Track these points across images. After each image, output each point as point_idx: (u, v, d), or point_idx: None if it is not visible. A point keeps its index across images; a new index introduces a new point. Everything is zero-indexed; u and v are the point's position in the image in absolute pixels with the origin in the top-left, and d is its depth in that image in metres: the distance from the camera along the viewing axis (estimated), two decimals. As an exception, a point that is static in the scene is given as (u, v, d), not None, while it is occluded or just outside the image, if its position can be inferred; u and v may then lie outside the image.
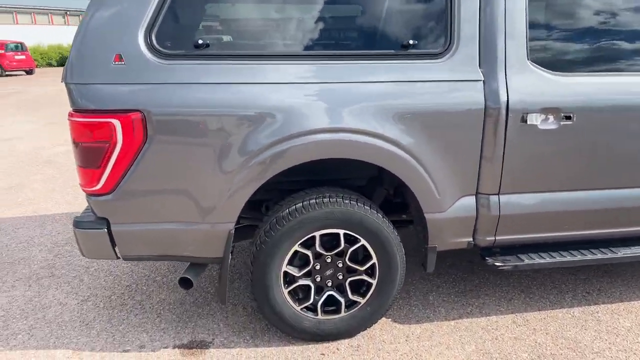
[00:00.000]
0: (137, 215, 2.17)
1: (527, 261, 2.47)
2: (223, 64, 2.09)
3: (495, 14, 2.21)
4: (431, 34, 2.24)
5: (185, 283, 2.32)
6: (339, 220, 2.26)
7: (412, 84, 2.17)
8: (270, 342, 2.48)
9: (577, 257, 2.50)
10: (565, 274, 3.17)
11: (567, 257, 2.49)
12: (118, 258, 2.24)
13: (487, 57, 2.23)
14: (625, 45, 2.41)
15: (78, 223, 2.20)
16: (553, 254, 2.53)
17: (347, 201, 2.27)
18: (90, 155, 2.06)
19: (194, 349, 2.40)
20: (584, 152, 2.37)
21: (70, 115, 2.05)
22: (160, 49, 2.05)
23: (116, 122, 2.00)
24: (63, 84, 2.14)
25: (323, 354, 2.37)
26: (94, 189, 2.12)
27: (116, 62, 2.01)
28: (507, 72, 2.24)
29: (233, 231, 2.23)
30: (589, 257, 2.50)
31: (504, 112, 2.23)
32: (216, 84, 2.06)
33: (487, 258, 2.52)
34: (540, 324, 2.63)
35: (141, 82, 2.02)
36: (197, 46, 2.07)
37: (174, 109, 2.04)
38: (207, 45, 2.08)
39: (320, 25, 2.21)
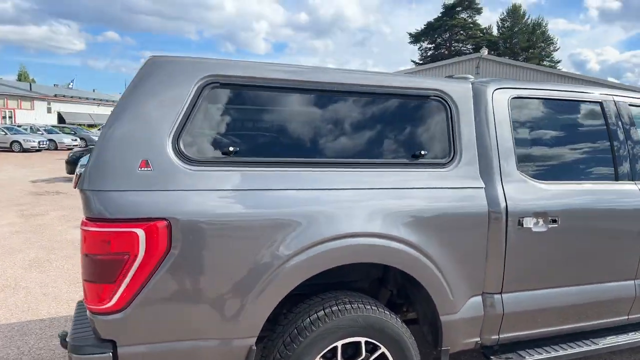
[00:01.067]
0: (150, 334, 1.97)
1: (527, 358, 2.58)
2: (250, 170, 2.08)
3: (487, 137, 2.56)
4: (440, 148, 2.50)
5: None
6: (362, 327, 2.19)
7: (428, 190, 2.37)
8: None
9: (569, 350, 2.69)
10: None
11: (560, 351, 2.66)
12: None
13: (486, 169, 2.52)
14: (596, 157, 2.90)
15: (76, 348, 1.93)
16: (548, 348, 2.69)
17: (368, 307, 2.23)
18: (105, 269, 1.88)
19: None
20: (570, 251, 2.67)
21: (84, 224, 1.90)
22: (189, 155, 2.01)
23: (140, 232, 1.87)
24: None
25: None
26: (104, 307, 1.90)
27: (142, 168, 1.93)
28: (503, 182, 2.52)
29: (254, 347, 2.09)
30: (578, 349, 2.71)
31: (504, 216, 2.46)
32: (245, 190, 2.04)
33: (491, 357, 2.57)
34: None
35: (168, 189, 1.94)
36: (225, 153, 2.07)
37: (202, 216, 1.95)
38: (235, 152, 2.08)
39: (346, 136, 2.34)
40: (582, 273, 2.72)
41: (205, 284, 1.99)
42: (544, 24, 50.59)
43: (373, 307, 2.25)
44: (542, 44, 50.57)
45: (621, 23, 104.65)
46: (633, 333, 2.92)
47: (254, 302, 2.04)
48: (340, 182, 2.22)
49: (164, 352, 1.99)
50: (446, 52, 48.76)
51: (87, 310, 1.98)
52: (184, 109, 2.03)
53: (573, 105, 2.87)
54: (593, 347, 2.75)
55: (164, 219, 1.90)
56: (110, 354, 1.91)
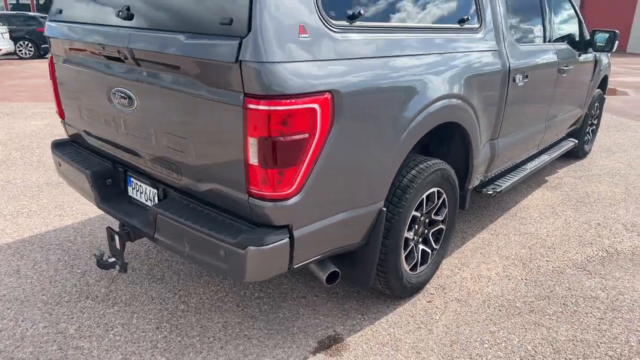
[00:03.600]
0: (318, 212, 2.00)
1: (502, 185, 3.50)
2: (381, 36, 2.14)
3: (498, 12, 3.11)
4: (472, 16, 2.91)
5: (332, 277, 2.32)
6: (440, 179, 2.65)
7: (470, 53, 2.79)
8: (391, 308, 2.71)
9: (517, 176, 3.75)
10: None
11: (515, 178, 3.70)
12: (288, 269, 1.99)
13: (497, 35, 3.08)
14: (537, 24, 3.74)
15: (248, 241, 1.84)
16: (507, 177, 3.70)
17: (441, 163, 2.66)
18: (289, 151, 1.78)
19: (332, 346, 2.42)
20: (529, 101, 3.52)
21: (253, 102, 1.71)
22: (332, 20, 1.91)
23: (317, 107, 1.79)
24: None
25: (429, 301, 2.83)
26: (285, 192, 1.84)
27: (302, 35, 1.78)
28: (506, 46, 3.13)
29: (384, 208, 2.31)
30: (522, 174, 3.81)
31: (508, 73, 3.11)
32: (383, 57, 2.12)
33: (481, 190, 3.42)
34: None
35: (325, 58, 1.84)
36: (361, 18, 2.03)
37: (357, 87, 1.94)
38: (368, 17, 2.08)
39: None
40: (531, 118, 3.69)
41: (359, 155, 2.06)
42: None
43: (443, 162, 2.68)
44: None
45: None
46: (541, 156, 4.32)
47: (390, 166, 2.25)
48: (428, 47, 2.47)
49: (327, 226, 2.06)
50: None
51: (251, 198, 1.88)
52: None
53: None
54: (527, 171, 3.89)
55: (329, 91, 1.83)
56: (288, 238, 1.91)
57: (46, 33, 2.81)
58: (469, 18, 2.84)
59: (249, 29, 1.68)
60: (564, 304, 2.81)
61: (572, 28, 4.47)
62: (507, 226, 3.83)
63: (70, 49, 2.60)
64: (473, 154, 2.95)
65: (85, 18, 2.49)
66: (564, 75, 4.05)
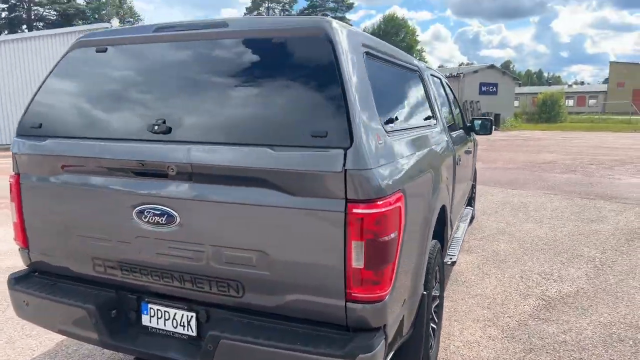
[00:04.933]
0: (397, 307, 2.06)
1: (455, 253, 3.89)
2: (408, 135, 2.48)
3: (436, 107, 3.67)
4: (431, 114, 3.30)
5: None
6: (440, 256, 3.01)
7: (441, 142, 3.14)
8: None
9: (461, 239, 4.41)
10: None
11: (460, 241, 4.34)
12: None
13: (443, 127, 3.62)
14: (453, 114, 4.71)
15: (358, 349, 1.78)
16: (453, 244, 4.18)
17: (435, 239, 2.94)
18: (387, 251, 1.86)
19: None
20: (462, 174, 4.27)
21: (358, 207, 1.78)
22: (385, 125, 2.13)
23: (401, 205, 1.94)
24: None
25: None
26: (384, 292, 1.88)
27: (379, 142, 1.95)
28: (447, 134, 3.66)
29: (425, 293, 2.49)
30: (462, 237, 4.53)
31: (454, 155, 3.66)
32: (414, 154, 2.42)
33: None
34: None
35: (391, 160, 2.03)
36: (395, 122, 2.39)
37: (410, 181, 2.17)
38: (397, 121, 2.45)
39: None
40: (460, 190, 4.22)
41: (416, 243, 2.28)
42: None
43: (437, 241, 2.95)
44: (131, 19, 57.09)
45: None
46: (461, 225, 4.87)
47: (427, 249, 2.52)
48: (427, 141, 2.87)
49: (399, 321, 2.14)
50: (24, 15, 45.69)
51: (349, 303, 1.87)
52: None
53: None
54: (461, 239, 4.39)
55: (400, 189, 1.99)
56: (384, 339, 1.91)
57: (15, 150, 2.42)
58: (431, 116, 3.32)
59: (352, 141, 1.78)
60: (547, 352, 3.20)
61: (460, 117, 5.41)
62: (458, 292, 4.23)
63: (64, 166, 2.29)
64: (449, 227, 3.30)
65: (89, 133, 2.25)
66: (469, 154, 4.84)
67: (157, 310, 2.25)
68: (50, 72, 2.48)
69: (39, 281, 2.49)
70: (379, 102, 2.11)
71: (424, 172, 2.50)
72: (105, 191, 2.21)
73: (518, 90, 47.46)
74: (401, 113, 2.62)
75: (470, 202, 6.14)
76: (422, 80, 3.46)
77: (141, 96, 2.25)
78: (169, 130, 2.07)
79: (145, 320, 2.28)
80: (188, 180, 2.03)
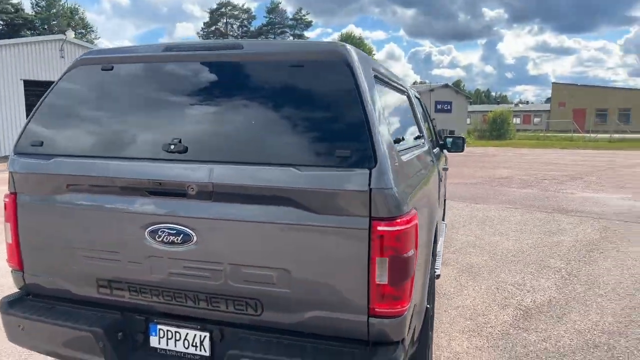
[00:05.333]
0: (414, 321, 2.21)
1: (439, 266, 3.78)
2: (409, 153, 2.56)
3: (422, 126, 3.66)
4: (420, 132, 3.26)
5: None
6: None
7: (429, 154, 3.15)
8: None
9: (441, 252, 4.18)
10: None
11: (440, 254, 3.89)
12: None
13: (428, 144, 3.67)
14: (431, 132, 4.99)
15: None
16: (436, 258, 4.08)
17: None
18: (409, 266, 1.96)
19: None
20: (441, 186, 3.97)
21: (382, 224, 1.86)
22: (396, 146, 2.24)
23: (417, 223, 2.03)
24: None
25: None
26: (405, 306, 1.96)
27: (395, 163, 2.02)
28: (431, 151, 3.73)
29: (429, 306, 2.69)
30: (440, 250, 4.26)
31: (438, 169, 3.56)
32: (418, 170, 2.61)
33: None
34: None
35: (405, 179, 2.13)
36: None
37: (418, 198, 2.35)
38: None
39: None
40: (441, 202, 4.39)
41: (425, 258, 2.48)
42: (80, 10, 57.17)
43: None
44: (83, 30, 56.41)
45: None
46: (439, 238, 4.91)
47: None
48: (426, 156, 3.17)
49: (412, 326, 2.22)
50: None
51: (372, 318, 1.93)
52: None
53: None
54: (441, 252, 4.39)
55: (414, 208, 2.09)
56: (403, 353, 1.97)
57: (14, 168, 2.34)
58: (420, 135, 3.46)
59: (375, 161, 1.86)
60: (531, 359, 3.36)
61: (434, 134, 5.63)
62: (440, 303, 4.36)
63: (70, 185, 2.23)
64: (437, 242, 3.43)
65: (97, 152, 2.21)
66: (446, 171, 5.05)
67: (167, 331, 2.21)
68: (51, 90, 2.42)
69: (35, 304, 2.39)
70: (388, 124, 2.21)
71: (425, 189, 2.61)
72: (115, 211, 2.17)
73: (470, 108, 49.60)
74: (403, 133, 2.74)
75: (444, 216, 6.36)
76: (410, 100, 3.61)
77: (153, 116, 2.24)
78: (185, 150, 2.07)
79: (153, 342, 2.23)
80: (207, 199, 2.03)
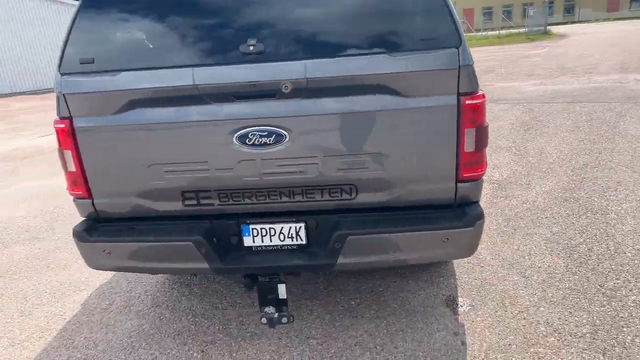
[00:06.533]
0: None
1: None
2: None
3: None
4: None
5: None
6: None
7: None
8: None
9: None
10: (491, 169, 4.80)
11: None
12: None
13: None
14: None
15: (474, 218, 2.19)
16: None
17: None
18: (485, 136, 2.25)
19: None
20: None
21: (469, 98, 2.09)
22: None
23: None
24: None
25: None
26: (482, 172, 2.27)
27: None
28: None
29: None
30: None
31: None
32: None
33: None
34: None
35: None
36: None
37: None
38: None
39: None
40: None
41: None
42: None
43: None
44: None
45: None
46: None
47: None
48: None
49: None
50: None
51: (460, 183, 2.22)
52: None
53: None
54: None
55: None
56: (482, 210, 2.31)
57: (67, 90, 2.17)
58: None
59: (460, 40, 2.04)
60: (520, 218, 3.98)
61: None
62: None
63: (144, 100, 2.14)
64: None
65: (165, 62, 2.13)
66: None
67: (261, 229, 2.34)
68: (80, 6, 2.20)
69: (112, 228, 2.37)
70: None
71: None
72: (199, 120, 2.16)
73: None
74: None
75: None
76: None
77: (219, 19, 2.17)
78: (263, 51, 2.08)
79: (247, 241, 2.36)
80: (298, 96, 2.10)
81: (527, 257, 3.33)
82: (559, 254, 3.34)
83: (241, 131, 2.14)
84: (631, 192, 4.30)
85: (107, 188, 2.32)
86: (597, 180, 4.64)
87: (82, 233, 2.33)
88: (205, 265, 2.28)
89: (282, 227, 2.34)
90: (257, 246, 2.37)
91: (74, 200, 2.40)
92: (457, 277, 3.16)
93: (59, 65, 2.19)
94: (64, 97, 2.19)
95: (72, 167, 2.29)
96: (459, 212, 2.25)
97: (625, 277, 2.97)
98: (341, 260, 2.22)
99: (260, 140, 2.15)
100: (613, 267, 3.11)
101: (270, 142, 2.15)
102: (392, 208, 2.30)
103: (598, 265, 3.15)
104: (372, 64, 2.05)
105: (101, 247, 2.31)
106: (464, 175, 2.21)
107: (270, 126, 2.14)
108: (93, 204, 2.36)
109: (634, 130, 6.27)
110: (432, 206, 2.29)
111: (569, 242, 3.50)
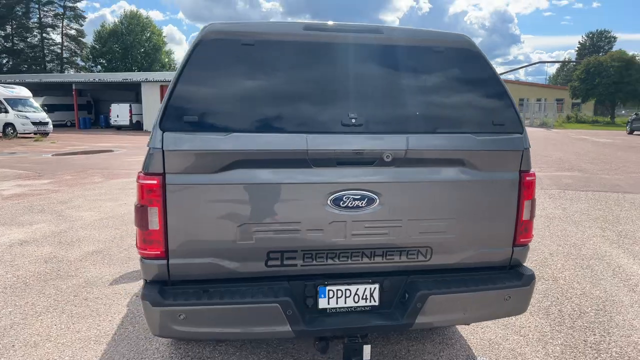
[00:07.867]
0: None
1: None
2: None
3: None
4: None
5: None
6: None
7: None
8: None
9: None
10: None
11: None
12: None
13: None
14: None
15: (529, 278, 2.50)
16: None
17: None
18: (535, 207, 2.61)
19: None
20: None
21: (527, 175, 2.48)
22: None
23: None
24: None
25: None
26: (530, 238, 2.58)
27: None
28: None
29: None
30: None
31: None
32: None
33: None
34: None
35: None
36: None
37: None
38: None
39: None
40: None
41: None
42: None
43: None
44: None
45: None
46: None
47: None
48: None
49: None
50: None
51: (516, 247, 2.56)
52: None
53: None
54: None
55: None
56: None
57: (168, 146, 2.13)
58: None
59: (522, 128, 2.49)
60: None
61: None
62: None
63: (242, 161, 2.18)
64: None
65: (266, 128, 2.24)
66: None
67: (337, 290, 2.41)
68: (187, 61, 2.25)
69: (183, 291, 2.25)
70: None
71: None
72: (298, 183, 2.25)
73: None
74: None
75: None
76: None
77: (316, 92, 2.36)
78: (361, 124, 2.31)
79: (322, 303, 2.40)
80: (393, 164, 2.32)
81: (515, 319, 3.74)
82: (538, 314, 3.81)
83: (337, 194, 2.28)
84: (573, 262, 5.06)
85: (187, 248, 2.23)
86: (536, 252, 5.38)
87: (156, 296, 2.17)
88: (287, 328, 2.25)
89: (357, 289, 2.43)
90: (331, 308, 2.41)
91: (142, 261, 2.25)
92: (465, 338, 3.42)
93: (160, 121, 2.16)
94: (161, 152, 2.14)
95: (155, 226, 2.18)
96: (515, 273, 2.58)
97: (600, 333, 3.50)
98: (419, 319, 2.37)
99: (353, 202, 2.30)
100: (585, 325, 3.63)
101: (362, 205, 2.32)
102: (456, 269, 2.54)
103: (573, 324, 3.65)
104: (461, 141, 2.39)
105: (177, 312, 2.17)
106: (520, 240, 2.57)
107: (364, 190, 2.31)
108: (167, 264, 2.24)
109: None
110: (490, 268, 2.59)
111: (540, 304, 4.00)
